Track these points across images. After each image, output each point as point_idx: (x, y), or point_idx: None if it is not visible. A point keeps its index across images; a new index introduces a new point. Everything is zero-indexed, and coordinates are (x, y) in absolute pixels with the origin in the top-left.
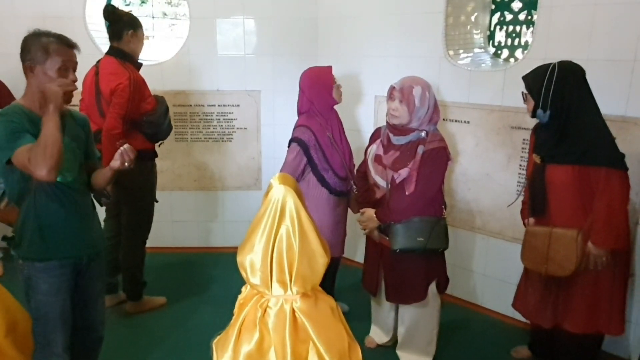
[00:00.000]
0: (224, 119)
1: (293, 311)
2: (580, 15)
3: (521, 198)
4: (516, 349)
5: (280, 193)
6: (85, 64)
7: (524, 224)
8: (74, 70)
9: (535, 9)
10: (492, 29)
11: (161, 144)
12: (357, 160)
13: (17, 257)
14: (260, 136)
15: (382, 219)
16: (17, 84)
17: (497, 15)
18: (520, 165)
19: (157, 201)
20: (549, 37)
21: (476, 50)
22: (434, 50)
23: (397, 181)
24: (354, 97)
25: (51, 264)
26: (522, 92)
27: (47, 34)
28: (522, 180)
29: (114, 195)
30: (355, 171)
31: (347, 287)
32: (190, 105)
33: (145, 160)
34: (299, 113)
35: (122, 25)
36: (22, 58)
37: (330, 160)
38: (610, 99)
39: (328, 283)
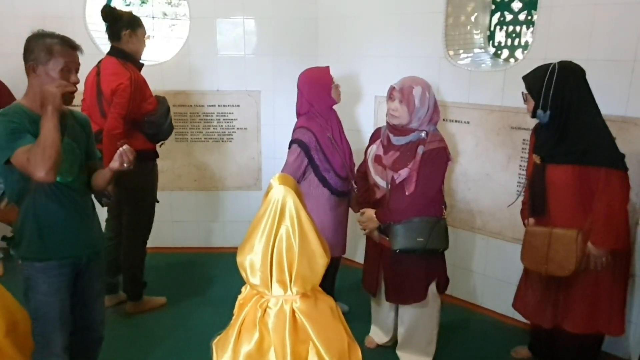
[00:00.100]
0: (224, 119)
1: (293, 311)
2: (580, 15)
3: (521, 198)
4: (516, 349)
5: (280, 193)
6: (85, 64)
7: (524, 224)
8: (77, 71)
9: (535, 9)
10: (492, 29)
11: (162, 144)
12: (357, 161)
13: (17, 257)
14: (260, 136)
15: (382, 219)
16: (17, 84)
17: (497, 15)
18: (520, 165)
19: (158, 201)
20: (549, 37)
21: (476, 50)
22: (434, 50)
23: (397, 181)
24: (353, 97)
25: (50, 264)
26: (522, 92)
27: (51, 35)
28: (522, 180)
29: (115, 195)
30: (355, 171)
31: (347, 287)
32: (191, 106)
33: (146, 160)
34: (298, 114)
35: (120, 26)
36: (25, 58)
37: (331, 161)
38: (610, 99)
39: (328, 283)
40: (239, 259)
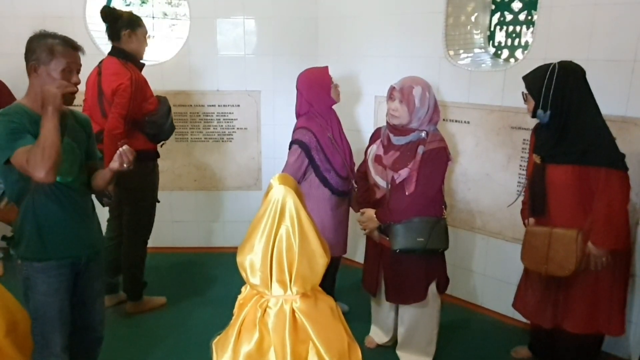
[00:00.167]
0: (224, 119)
1: (293, 311)
2: (580, 15)
3: (521, 198)
4: (516, 349)
5: (280, 193)
6: (85, 64)
7: (524, 224)
8: (78, 72)
9: (535, 9)
10: (492, 29)
11: (163, 144)
12: (357, 161)
13: (16, 256)
14: (260, 136)
15: (382, 219)
16: (17, 84)
17: (497, 15)
18: (520, 165)
19: (159, 201)
20: (549, 37)
21: (476, 50)
22: (434, 50)
23: (397, 181)
24: (353, 97)
25: (49, 264)
26: (523, 92)
27: (54, 36)
28: (522, 180)
29: (116, 195)
30: (355, 171)
31: (347, 287)
32: (191, 106)
33: (147, 160)
34: (298, 115)
35: (119, 26)
36: (27, 58)
37: (332, 161)
38: (610, 99)
39: (328, 283)
40: (239, 259)
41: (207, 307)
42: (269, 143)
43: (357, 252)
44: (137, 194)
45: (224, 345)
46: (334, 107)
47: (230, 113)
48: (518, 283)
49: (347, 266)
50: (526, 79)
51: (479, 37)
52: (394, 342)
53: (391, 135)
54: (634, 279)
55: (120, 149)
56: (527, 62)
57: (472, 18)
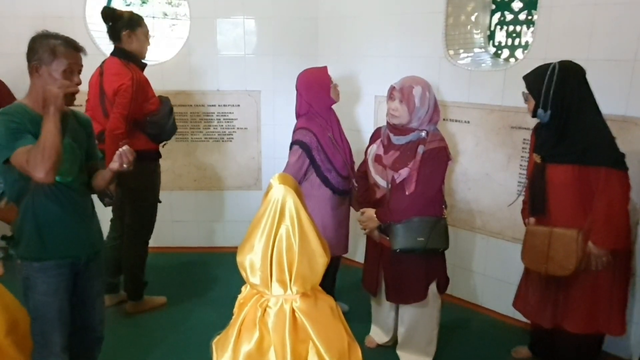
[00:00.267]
0: (224, 119)
1: (293, 311)
2: (580, 15)
3: (521, 198)
4: (516, 349)
5: (280, 193)
6: (85, 64)
7: (524, 223)
8: (79, 73)
9: (535, 9)
10: (492, 28)
11: (165, 144)
12: (358, 162)
13: (16, 256)
14: (260, 136)
15: (382, 219)
16: (18, 84)
17: (498, 15)
18: (521, 165)
19: (160, 202)
20: (549, 37)
21: (476, 50)
22: (434, 50)
23: (397, 181)
24: (353, 97)
25: (49, 264)
26: (523, 92)
27: (55, 36)
28: (522, 180)
29: (118, 195)
30: (355, 170)
31: (347, 287)
32: (191, 105)
33: (149, 160)
34: (298, 115)
35: (119, 26)
36: (29, 58)
37: (333, 161)
38: (610, 99)
39: (328, 283)
40: (238, 259)
41: (207, 307)
42: (269, 143)
43: (357, 252)
44: (139, 194)
45: (224, 345)
46: (333, 106)
47: (230, 113)
48: (518, 283)
49: (347, 266)
50: (526, 78)
51: (479, 37)
52: (394, 342)
53: (391, 135)
54: (634, 279)
55: (120, 149)
56: (527, 61)
57: (472, 18)
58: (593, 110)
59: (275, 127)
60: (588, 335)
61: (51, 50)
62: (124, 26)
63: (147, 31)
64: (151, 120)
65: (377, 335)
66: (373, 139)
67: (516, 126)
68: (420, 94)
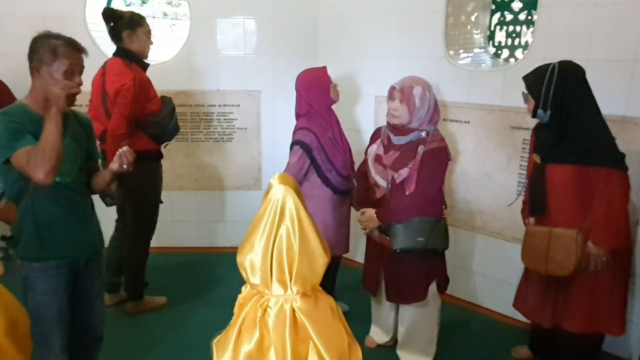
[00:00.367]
0: (224, 119)
1: (293, 311)
2: (580, 15)
3: (521, 198)
4: (516, 349)
5: (280, 193)
6: (86, 64)
7: (524, 223)
8: (80, 73)
9: (535, 9)
10: (492, 29)
11: (167, 145)
12: (357, 162)
13: (15, 256)
14: (260, 136)
15: (383, 219)
16: (18, 84)
17: (497, 15)
18: (521, 165)
19: (162, 202)
20: (549, 37)
21: (476, 50)
22: (434, 50)
23: (398, 181)
24: (353, 97)
25: (48, 264)
26: (523, 92)
27: (57, 37)
28: (522, 180)
29: (119, 195)
30: (355, 170)
31: (347, 287)
32: (191, 105)
33: (150, 161)
34: (298, 116)
35: (120, 26)
36: (30, 58)
37: (333, 160)
38: (610, 99)
39: (328, 283)
40: (239, 259)
41: (208, 307)
42: (269, 143)
43: (357, 252)
44: (140, 195)
45: (224, 345)
46: (332, 106)
47: (230, 113)
48: (518, 283)
49: (347, 266)
50: (526, 79)
51: (479, 37)
52: (394, 342)
53: (391, 135)
54: (634, 279)
55: (120, 150)
56: (527, 62)
57: (472, 18)
58: (593, 110)
59: (275, 127)
60: (588, 335)
61: (52, 50)
62: (124, 26)
63: (149, 30)
64: (153, 120)
65: (377, 335)
66: (373, 139)
67: (516, 126)
68: (420, 94)
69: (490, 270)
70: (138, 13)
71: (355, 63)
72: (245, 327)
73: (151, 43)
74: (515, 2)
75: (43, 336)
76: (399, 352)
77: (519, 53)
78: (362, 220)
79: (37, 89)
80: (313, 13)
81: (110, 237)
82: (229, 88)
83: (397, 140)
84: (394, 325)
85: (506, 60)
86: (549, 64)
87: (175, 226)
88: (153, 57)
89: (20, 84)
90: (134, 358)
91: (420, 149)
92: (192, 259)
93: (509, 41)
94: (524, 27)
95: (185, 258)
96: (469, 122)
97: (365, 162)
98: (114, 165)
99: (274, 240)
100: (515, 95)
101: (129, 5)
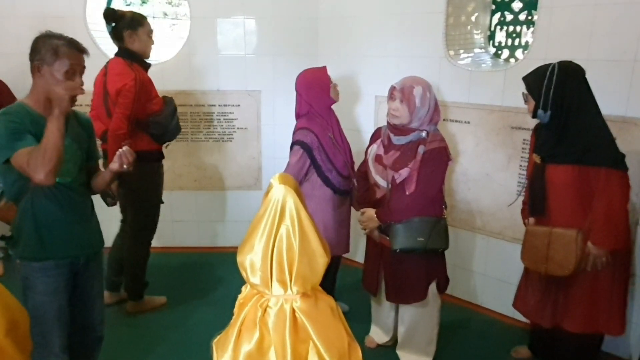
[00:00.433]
0: (224, 119)
1: (293, 311)
2: (580, 15)
3: (521, 198)
4: (516, 349)
5: (280, 193)
6: (86, 64)
7: (524, 223)
8: (81, 74)
9: (535, 9)
10: (492, 29)
11: (168, 145)
12: (358, 162)
13: (15, 256)
14: (260, 136)
15: (383, 219)
16: (18, 84)
17: (498, 15)
18: (521, 165)
19: (163, 202)
20: (549, 37)
21: (476, 50)
22: (434, 50)
23: (398, 181)
24: (354, 97)
25: (48, 264)
26: (523, 93)
27: (59, 37)
28: (522, 180)
29: (120, 195)
30: (356, 170)
31: (347, 287)
32: (191, 105)
33: (151, 161)
34: (298, 116)
35: (121, 26)
36: (31, 57)
37: (333, 160)
38: (610, 99)
39: (328, 283)
40: (239, 259)
41: (208, 307)
42: (269, 143)
43: (357, 252)
44: (141, 195)
45: (225, 345)
46: (332, 106)
47: (230, 113)
48: (518, 283)
49: (347, 266)
50: (526, 79)
51: (479, 37)
52: (394, 342)
53: (392, 135)
54: (634, 279)
55: (120, 150)
56: (527, 62)
57: (472, 18)
58: (593, 110)
59: (276, 127)
60: (588, 335)
61: (54, 50)
62: (125, 26)
63: (150, 30)
64: (154, 120)
65: (377, 335)
66: (373, 139)
67: (516, 126)
68: (420, 94)
69: (490, 270)
70: (139, 13)
71: (355, 63)
72: (245, 327)
73: (152, 43)
74: (515, 2)
75: (43, 336)
76: (399, 352)
77: (519, 53)
78: (362, 220)
79: (38, 88)
80: (313, 13)
81: (114, 236)
82: (229, 88)
83: (397, 140)
84: (394, 325)
85: (506, 60)
86: (549, 64)
87: (176, 226)
88: (153, 57)
89: (21, 84)
90: (134, 358)
91: (421, 149)
92: (193, 259)
93: (509, 41)
94: (524, 27)
95: (185, 258)
96: (469, 122)
97: (365, 162)
98: (113, 165)
99: (274, 240)
100: (515, 96)
101: (129, 5)
